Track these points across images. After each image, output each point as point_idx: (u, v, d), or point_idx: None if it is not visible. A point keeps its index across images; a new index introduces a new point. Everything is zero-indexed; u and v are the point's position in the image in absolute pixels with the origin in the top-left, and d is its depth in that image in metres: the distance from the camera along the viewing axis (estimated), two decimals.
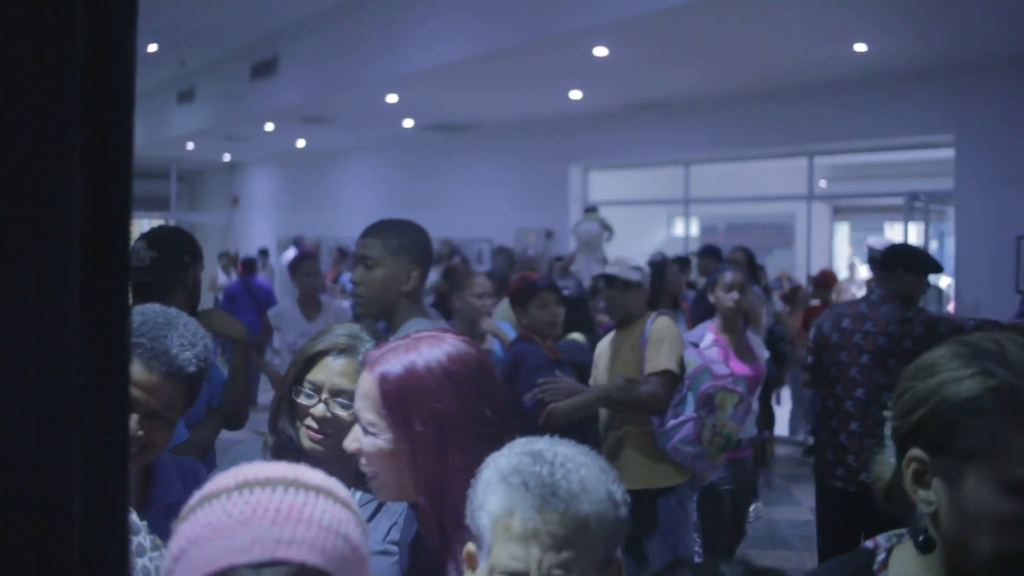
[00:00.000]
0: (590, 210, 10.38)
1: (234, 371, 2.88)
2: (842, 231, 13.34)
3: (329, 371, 1.83)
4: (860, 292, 10.50)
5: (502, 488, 1.08)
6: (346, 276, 12.60)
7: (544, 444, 1.14)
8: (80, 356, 0.49)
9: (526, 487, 1.07)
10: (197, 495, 0.92)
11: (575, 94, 9.23)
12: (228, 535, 0.87)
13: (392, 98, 9.66)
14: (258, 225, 16.93)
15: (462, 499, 1.22)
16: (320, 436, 1.80)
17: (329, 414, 1.81)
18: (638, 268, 3.84)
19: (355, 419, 1.75)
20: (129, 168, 0.51)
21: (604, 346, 3.92)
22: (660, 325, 3.65)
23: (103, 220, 0.50)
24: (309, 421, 1.81)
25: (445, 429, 1.41)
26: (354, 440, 1.51)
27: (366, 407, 1.47)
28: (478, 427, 1.42)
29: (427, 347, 1.46)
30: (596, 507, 1.07)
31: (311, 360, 1.86)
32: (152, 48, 10.83)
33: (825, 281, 8.46)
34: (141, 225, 18.52)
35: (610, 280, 3.81)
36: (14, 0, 0.45)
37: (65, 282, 0.48)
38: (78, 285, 0.48)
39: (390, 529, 1.81)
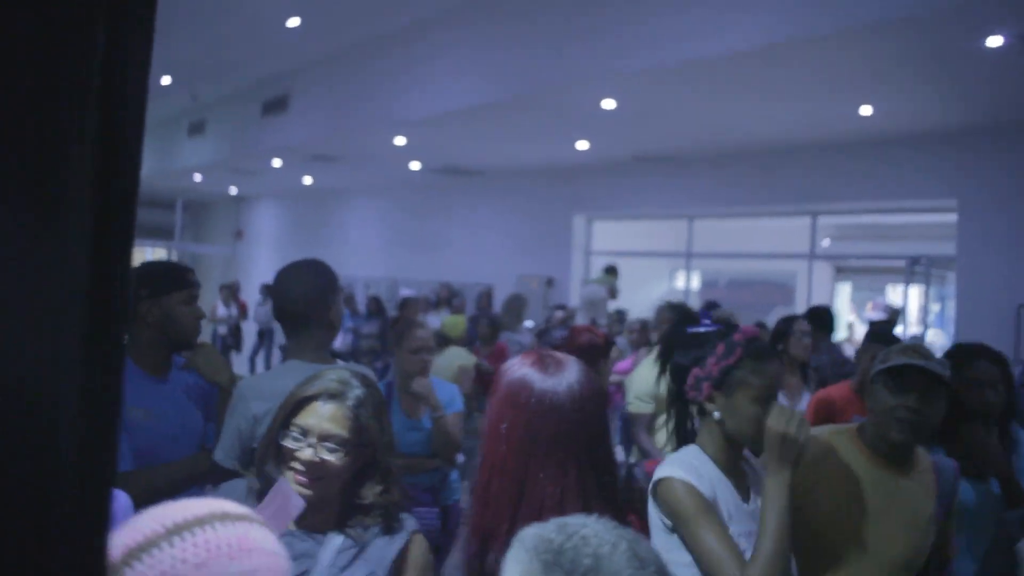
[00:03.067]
0: (610, 270, 10.39)
1: (220, 418, 2.76)
2: (843, 291, 13.33)
3: (318, 416, 1.83)
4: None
5: (515, 552, 1.05)
6: (345, 314, 12.61)
7: (580, 520, 1.07)
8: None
9: (534, 553, 1.03)
10: (122, 545, 0.88)
11: (582, 144, 9.29)
12: None
13: (400, 140, 9.72)
14: (261, 259, 16.96)
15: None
16: (306, 480, 1.79)
17: (317, 459, 1.79)
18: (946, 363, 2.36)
19: (342, 464, 1.77)
20: (134, 199, 0.51)
21: (847, 476, 2.38)
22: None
23: (105, 251, 0.50)
24: (296, 465, 1.80)
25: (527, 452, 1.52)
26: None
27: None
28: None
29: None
30: None
31: (300, 404, 1.86)
32: (166, 80, 10.95)
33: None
34: (144, 254, 18.60)
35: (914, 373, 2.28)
36: (38, 24, 0.46)
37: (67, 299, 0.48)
38: (81, 298, 0.49)
39: None
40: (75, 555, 0.51)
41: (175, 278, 2.68)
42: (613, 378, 8.36)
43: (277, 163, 12.12)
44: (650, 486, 1.96)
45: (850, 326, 12.73)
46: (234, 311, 14.42)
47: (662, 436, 4.56)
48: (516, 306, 9.73)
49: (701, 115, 7.71)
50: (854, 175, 8.31)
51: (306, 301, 2.65)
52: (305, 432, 1.82)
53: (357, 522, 1.85)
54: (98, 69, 0.48)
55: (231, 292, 14.55)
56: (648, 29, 6.26)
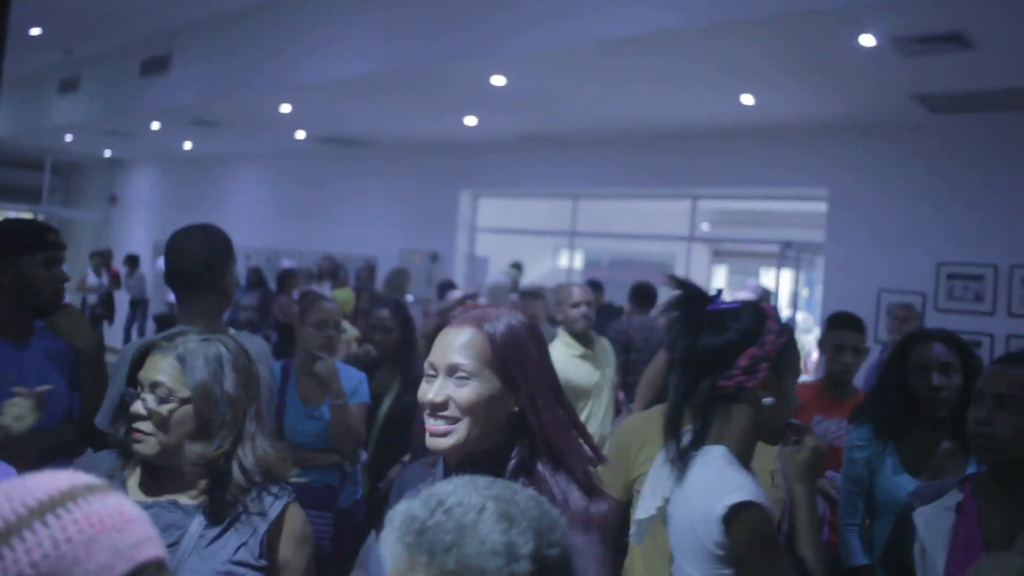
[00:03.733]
0: (516, 265, 10.44)
1: (83, 387, 2.66)
2: (720, 273, 13.78)
3: (147, 368, 1.80)
4: None
5: (385, 534, 0.99)
6: None
7: (448, 486, 1.01)
8: None
9: (399, 535, 0.97)
10: None
11: (470, 120, 9.30)
12: (85, 558, 0.81)
13: (285, 108, 9.52)
14: (136, 226, 16.34)
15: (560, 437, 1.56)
16: (139, 435, 1.75)
17: (143, 410, 1.75)
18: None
19: (172, 416, 1.75)
20: None
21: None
22: None
23: None
24: (134, 423, 1.77)
25: (536, 381, 1.57)
26: (439, 392, 1.53)
27: (467, 355, 1.53)
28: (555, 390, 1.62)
29: (511, 314, 1.63)
30: (474, 561, 0.92)
31: (138, 362, 1.84)
32: (35, 31, 10.38)
33: None
34: (6, 217, 17.65)
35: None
36: None
37: None
38: None
39: (238, 548, 1.76)
40: None
41: (33, 238, 2.54)
42: None
43: (156, 126, 11.69)
44: (722, 512, 1.72)
45: None
46: (105, 280, 13.88)
47: None
48: (398, 280, 9.69)
49: (589, 97, 7.82)
50: (734, 162, 8.59)
51: (200, 266, 2.56)
52: (138, 386, 1.78)
53: (227, 491, 1.79)
54: None
55: (103, 260, 13.99)
56: (542, 9, 6.31)
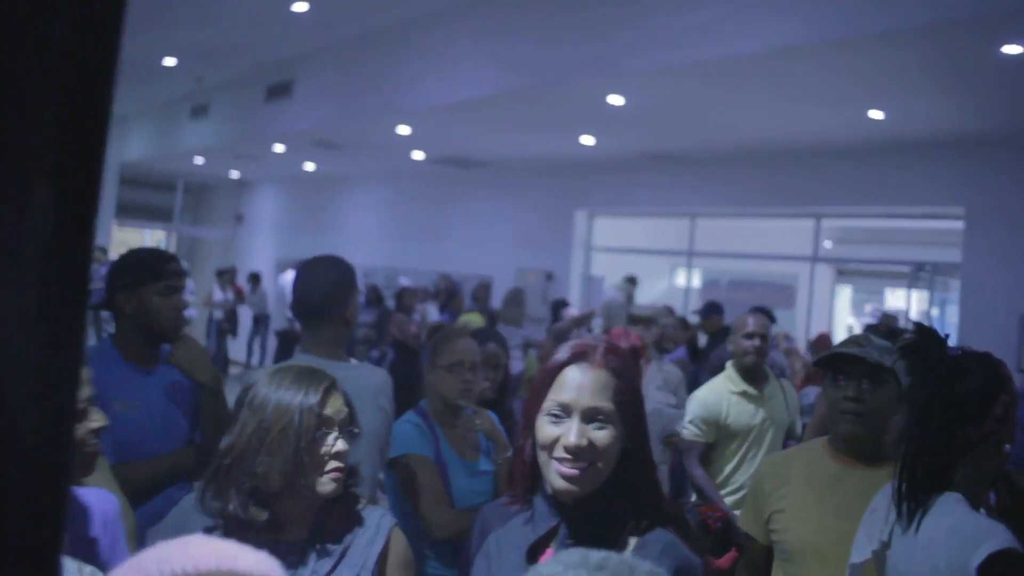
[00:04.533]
0: (631, 280, 10.35)
1: (204, 419, 2.69)
2: (844, 294, 13.31)
3: (336, 406, 1.80)
4: None
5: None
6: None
7: (560, 567, 0.91)
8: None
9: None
10: None
11: (587, 139, 9.24)
12: None
13: (404, 130, 9.65)
14: (260, 245, 16.89)
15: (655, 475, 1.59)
16: (340, 474, 1.76)
17: (345, 447, 1.77)
18: (890, 348, 2.26)
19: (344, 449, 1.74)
20: (99, 168, 0.49)
21: (822, 476, 2.40)
22: None
23: (65, 227, 0.48)
24: (335, 463, 1.75)
25: (643, 418, 1.58)
26: (580, 435, 1.48)
27: (604, 399, 1.51)
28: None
29: (629, 350, 1.66)
30: None
31: (323, 400, 1.80)
32: (170, 62, 10.86)
33: (821, 346, 8.41)
34: (143, 236, 18.51)
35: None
36: None
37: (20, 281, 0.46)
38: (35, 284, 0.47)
39: None
40: (26, 558, 0.47)
41: (152, 268, 2.61)
42: None
43: (279, 148, 12.05)
44: (980, 561, 1.64)
45: (849, 329, 12.71)
46: (230, 296, 14.37)
47: (716, 471, 4.11)
48: (517, 299, 9.68)
49: (709, 115, 7.66)
50: (860, 179, 8.27)
51: (325, 297, 2.65)
52: (330, 424, 1.77)
53: (339, 523, 1.80)
54: (59, 42, 0.46)
55: (228, 277, 14.49)
56: (660, 27, 6.20)
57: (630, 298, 10.18)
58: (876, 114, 6.94)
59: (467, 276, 12.09)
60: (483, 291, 10.82)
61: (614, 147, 9.54)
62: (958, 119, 6.94)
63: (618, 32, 6.49)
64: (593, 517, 1.50)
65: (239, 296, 14.52)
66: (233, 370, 15.26)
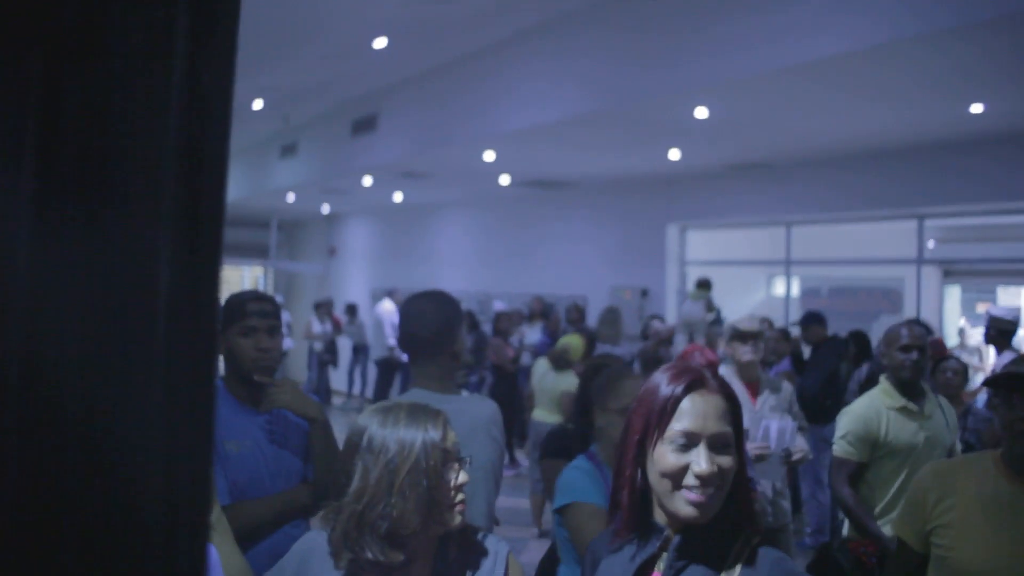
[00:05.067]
0: (702, 284, 10.16)
1: (315, 455, 2.72)
2: (952, 294, 12.77)
3: (452, 438, 1.85)
4: (972, 359, 10.00)
5: None
6: None
7: None
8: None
9: None
10: None
11: (674, 153, 9.10)
12: None
13: (489, 155, 9.68)
14: (354, 275, 17.18)
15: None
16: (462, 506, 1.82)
17: (467, 478, 1.83)
18: None
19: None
20: (220, 226, 0.52)
21: (993, 494, 2.37)
22: None
23: (192, 271, 0.50)
24: (459, 495, 1.80)
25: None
26: (710, 462, 1.50)
27: (727, 424, 1.54)
28: None
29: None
30: None
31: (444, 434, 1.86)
32: (258, 105, 11.14)
33: (935, 352, 8.06)
34: (242, 272, 19.02)
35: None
36: (117, 50, 0.47)
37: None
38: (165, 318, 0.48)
39: None
40: None
41: (233, 310, 2.64)
42: None
43: (368, 181, 12.22)
44: None
45: (960, 331, 12.18)
46: (329, 327, 14.63)
47: (867, 492, 3.78)
48: (612, 318, 9.58)
49: (796, 120, 7.45)
50: (963, 175, 7.92)
51: (433, 331, 2.68)
52: (451, 458, 1.79)
53: (455, 556, 1.81)
54: (182, 83, 0.49)
55: (325, 309, 14.78)
56: (741, 34, 6.06)
57: (709, 306, 9.96)
58: (976, 107, 6.64)
59: (561, 296, 12.04)
60: (576, 312, 10.74)
61: (702, 159, 9.38)
62: None
63: (697, 44, 6.37)
64: (699, 540, 1.53)
65: (337, 327, 14.78)
66: (336, 400, 15.54)
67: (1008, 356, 6.42)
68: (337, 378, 15.39)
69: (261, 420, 2.67)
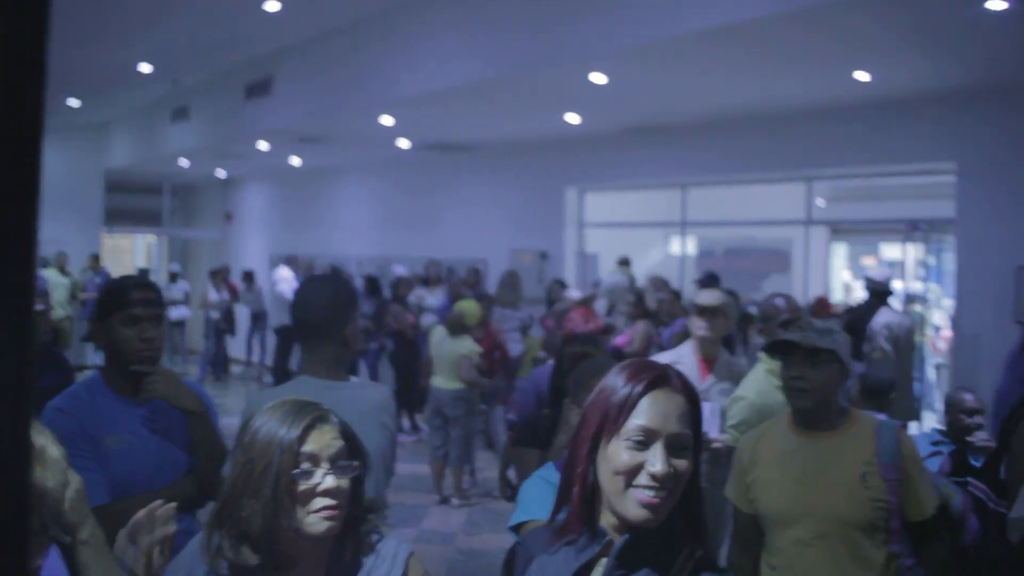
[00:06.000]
0: (623, 262, 10.30)
1: (195, 446, 2.63)
2: (839, 251, 13.24)
3: (322, 439, 1.69)
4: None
5: None
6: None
7: None
8: None
9: None
10: None
11: (572, 118, 9.16)
12: None
13: (387, 120, 9.57)
14: (252, 242, 16.82)
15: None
16: (336, 511, 1.66)
17: (338, 483, 1.67)
18: (829, 331, 2.70)
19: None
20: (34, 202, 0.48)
21: (784, 448, 2.71)
22: (909, 443, 2.67)
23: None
24: (323, 500, 1.65)
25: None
26: (666, 463, 1.43)
27: (687, 426, 1.48)
28: None
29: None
30: None
31: (301, 438, 1.68)
32: (146, 68, 10.74)
33: (821, 309, 8.39)
34: (134, 240, 18.42)
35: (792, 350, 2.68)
36: None
37: None
38: None
39: None
40: None
41: (115, 298, 2.55)
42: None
43: (264, 146, 11.96)
44: None
45: (846, 287, 12.67)
46: (226, 295, 14.33)
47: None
48: (512, 282, 9.65)
49: (692, 86, 7.58)
50: (850, 139, 8.20)
51: (323, 317, 2.62)
52: (315, 460, 1.67)
53: (348, 560, 1.73)
54: None
55: (221, 277, 14.45)
56: (637, 3, 6.11)
57: (633, 281, 10.14)
58: (861, 75, 6.86)
59: (461, 260, 12.05)
60: (474, 276, 10.75)
61: (600, 123, 9.46)
62: (944, 75, 6.87)
63: (594, 13, 6.41)
64: (643, 547, 1.46)
65: (234, 295, 14.47)
66: (235, 368, 15.27)
67: (884, 313, 6.74)
68: (236, 346, 15.11)
69: (142, 412, 2.57)
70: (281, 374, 12.80)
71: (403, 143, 11.27)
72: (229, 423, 9.71)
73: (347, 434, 1.75)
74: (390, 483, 2.69)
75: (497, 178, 11.83)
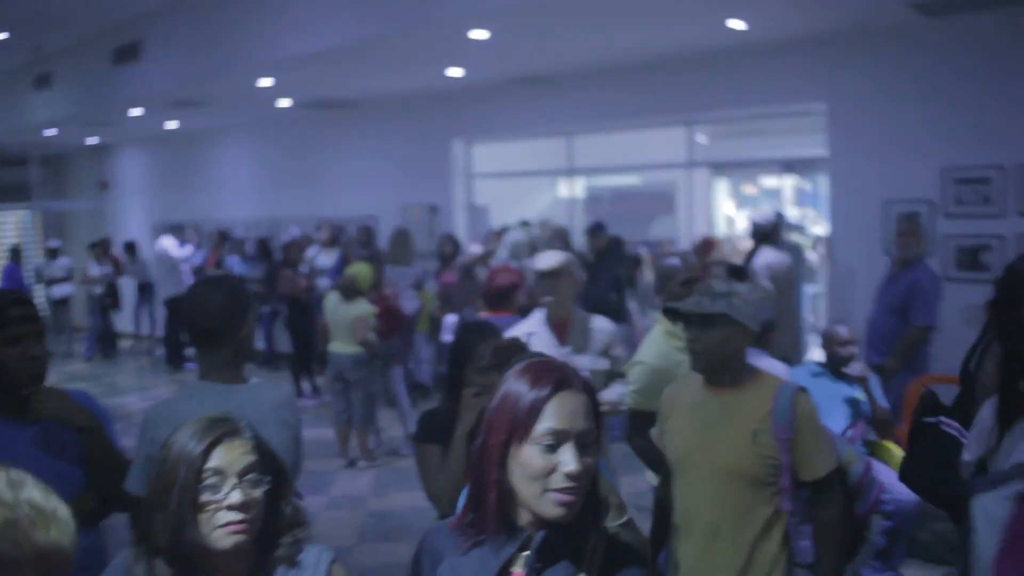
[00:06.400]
0: (525, 224, 10.33)
1: (89, 462, 2.54)
2: (720, 187, 13.60)
3: (230, 454, 1.70)
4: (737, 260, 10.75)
5: None
6: (232, 260, 12.24)
7: None
8: None
9: None
10: None
11: (455, 71, 9.12)
12: None
13: (266, 82, 9.34)
14: (132, 210, 16.20)
15: None
16: (244, 526, 1.67)
17: (246, 497, 1.68)
18: (727, 293, 2.76)
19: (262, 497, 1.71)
20: None
21: (693, 400, 2.88)
22: (806, 405, 2.73)
23: None
24: (227, 515, 1.66)
25: None
26: (579, 461, 1.51)
27: (592, 422, 1.56)
28: None
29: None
30: None
31: (204, 455, 1.70)
32: (1, 36, 10.17)
33: (706, 248, 8.67)
34: (3, 216, 17.52)
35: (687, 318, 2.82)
36: None
37: None
38: None
39: None
40: None
41: None
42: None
43: (136, 112, 11.50)
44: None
45: (729, 221, 13.05)
46: (108, 269, 13.85)
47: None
48: (402, 239, 9.61)
49: (572, 39, 7.64)
50: (727, 84, 8.41)
51: (217, 319, 2.58)
52: (221, 475, 1.69)
53: (270, 571, 1.75)
54: None
55: (102, 249, 13.94)
56: None
57: (534, 243, 10.21)
58: (736, 23, 7.04)
59: (351, 218, 11.92)
60: (365, 234, 10.56)
61: (483, 75, 9.44)
62: (814, 21, 7.10)
63: None
64: (560, 538, 1.55)
65: (117, 267, 14.01)
66: (123, 343, 14.81)
67: (765, 253, 7.02)
68: (123, 320, 14.67)
69: (31, 432, 2.46)
70: (173, 347, 12.53)
71: (284, 102, 11.01)
72: (124, 403, 9.51)
73: (262, 449, 1.76)
74: (298, 476, 2.70)
75: (383, 133, 11.69)
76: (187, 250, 12.60)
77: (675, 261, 4.04)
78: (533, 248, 9.57)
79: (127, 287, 14.26)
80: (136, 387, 11.50)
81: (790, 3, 6.49)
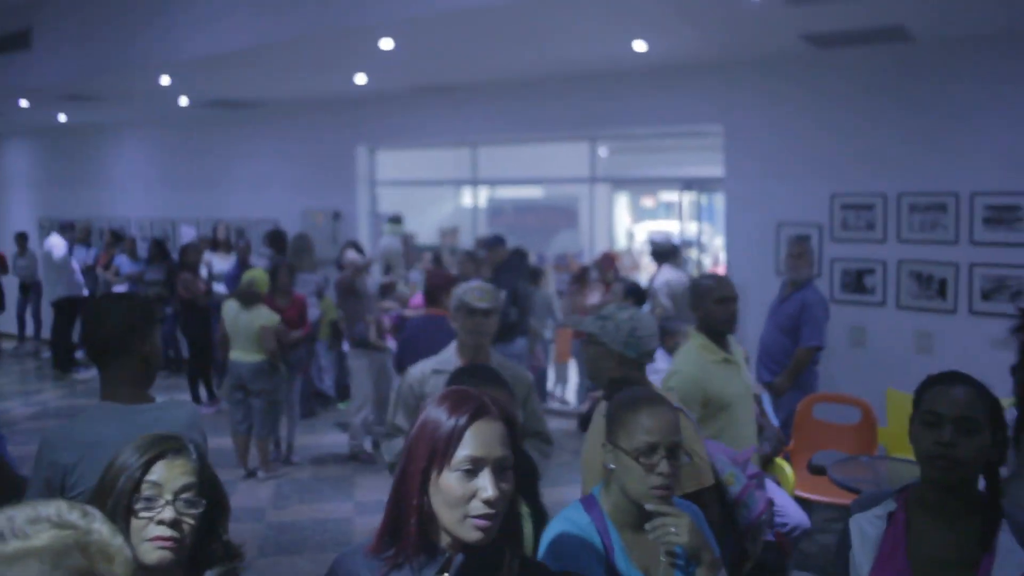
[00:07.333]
0: (395, 220, 10.28)
1: None
2: (621, 200, 13.94)
3: (171, 470, 1.75)
4: (642, 275, 11.01)
5: None
6: (120, 259, 11.86)
7: None
8: None
9: None
10: None
11: (360, 78, 9.07)
12: None
13: (164, 80, 9.11)
14: (18, 204, 15.52)
15: None
16: (172, 544, 1.70)
17: (176, 515, 1.71)
18: (607, 317, 3.08)
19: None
20: None
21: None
22: (685, 425, 2.67)
23: None
24: (157, 530, 1.70)
25: None
26: (495, 487, 1.56)
27: (506, 448, 1.61)
28: None
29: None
30: None
31: (145, 467, 1.76)
32: None
33: (607, 264, 8.87)
34: None
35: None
36: None
37: None
38: None
39: None
40: None
41: None
42: (408, 312, 8.43)
43: (24, 103, 11.05)
44: None
45: (629, 235, 13.37)
46: None
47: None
48: (304, 245, 9.47)
49: (478, 53, 7.70)
50: (630, 103, 8.60)
51: (118, 331, 2.52)
52: (158, 488, 1.73)
53: None
54: None
55: None
56: None
57: (406, 241, 10.21)
58: (640, 45, 7.22)
59: (251, 221, 11.73)
60: (278, 239, 10.22)
61: (390, 83, 9.42)
62: (712, 47, 7.34)
63: None
64: (479, 559, 1.61)
65: (1, 266, 13.41)
66: (6, 345, 14.16)
67: (664, 271, 7.24)
68: (5, 321, 14.05)
69: None
70: (62, 350, 12.07)
71: (182, 100, 10.75)
72: (6, 408, 9.10)
73: (204, 474, 1.80)
74: None
75: (286, 136, 11.53)
76: (73, 260, 12.09)
77: (713, 281, 3.94)
78: (407, 252, 9.55)
79: (9, 285, 13.67)
80: (20, 392, 11.04)
81: (692, 27, 6.69)
